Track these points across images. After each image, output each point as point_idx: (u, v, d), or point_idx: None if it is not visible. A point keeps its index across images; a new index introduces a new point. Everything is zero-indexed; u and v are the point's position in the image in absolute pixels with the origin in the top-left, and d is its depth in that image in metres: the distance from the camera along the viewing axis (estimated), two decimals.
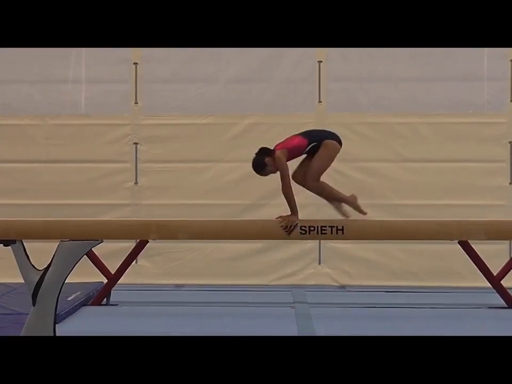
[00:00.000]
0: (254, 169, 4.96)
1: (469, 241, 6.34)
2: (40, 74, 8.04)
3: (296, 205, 4.90)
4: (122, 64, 7.98)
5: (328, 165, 5.06)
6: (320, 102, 7.85)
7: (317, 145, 4.96)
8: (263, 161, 4.92)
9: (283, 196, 4.88)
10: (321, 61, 7.85)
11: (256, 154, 4.92)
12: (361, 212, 5.02)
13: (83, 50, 8.04)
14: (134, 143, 7.96)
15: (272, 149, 4.92)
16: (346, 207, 5.05)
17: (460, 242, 6.42)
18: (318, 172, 5.04)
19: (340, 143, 5.00)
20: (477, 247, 6.61)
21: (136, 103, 7.98)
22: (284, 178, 4.91)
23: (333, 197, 5.12)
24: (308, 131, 5.11)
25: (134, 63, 7.95)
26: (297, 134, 5.02)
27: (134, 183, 7.96)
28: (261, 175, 5.00)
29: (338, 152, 5.02)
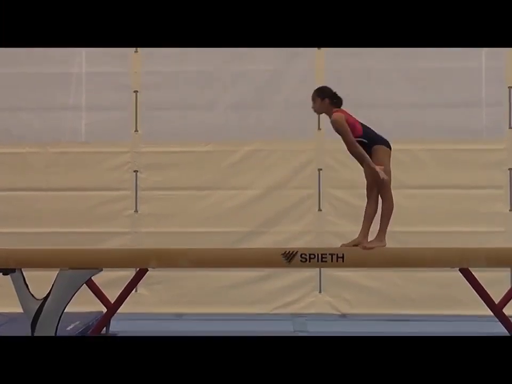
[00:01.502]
0: (316, 91, 5.15)
1: (469, 268, 6.31)
2: (40, 101, 8.06)
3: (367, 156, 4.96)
4: (122, 91, 8.01)
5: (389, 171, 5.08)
6: (319, 128, 7.87)
7: (367, 144, 5.00)
8: (323, 96, 4.99)
9: (353, 156, 5.01)
10: None
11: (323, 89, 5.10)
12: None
13: (83, 76, 8.07)
14: (134, 171, 7.96)
15: (335, 101, 5.05)
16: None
17: (461, 270, 6.39)
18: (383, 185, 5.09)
19: (389, 147, 5.06)
20: (478, 274, 6.57)
21: (136, 130, 7.99)
22: (347, 138, 5.03)
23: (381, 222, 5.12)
24: (366, 126, 5.14)
25: (134, 91, 7.98)
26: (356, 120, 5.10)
27: (134, 211, 7.95)
28: (313, 102, 5.15)
29: (390, 155, 5.08)
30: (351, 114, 5.38)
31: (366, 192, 5.31)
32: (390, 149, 5.17)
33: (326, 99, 5.12)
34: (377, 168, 5.00)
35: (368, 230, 5.16)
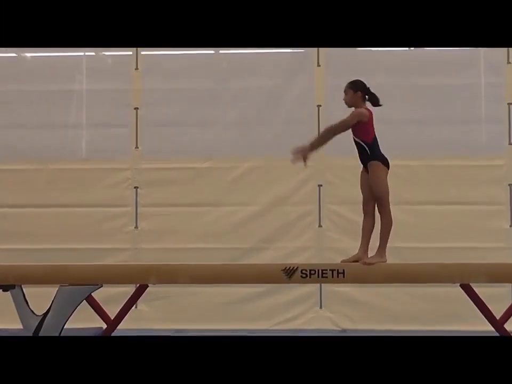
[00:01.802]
0: (349, 83, 5.08)
1: (470, 284, 6.30)
2: (41, 118, 8.09)
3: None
4: (122, 108, 8.04)
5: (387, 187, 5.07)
6: None
7: (368, 155, 5.00)
8: (356, 89, 5.01)
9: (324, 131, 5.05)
10: (320, 105, 7.91)
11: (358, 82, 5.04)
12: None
13: (84, 93, 8.11)
14: (134, 187, 7.97)
15: (368, 97, 5.01)
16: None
17: (462, 285, 6.37)
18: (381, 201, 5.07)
19: (387, 166, 5.04)
20: (479, 290, 6.56)
21: (136, 147, 8.01)
22: (341, 125, 4.98)
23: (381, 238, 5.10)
24: (377, 141, 5.14)
25: (135, 108, 8.01)
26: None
27: (134, 227, 7.95)
28: (345, 94, 5.09)
29: (387, 174, 5.09)
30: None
31: (362, 207, 5.31)
32: (388, 168, 5.15)
33: (359, 92, 5.05)
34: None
35: (367, 245, 5.15)
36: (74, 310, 4.79)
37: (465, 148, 7.83)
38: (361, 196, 7.74)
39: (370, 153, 5.08)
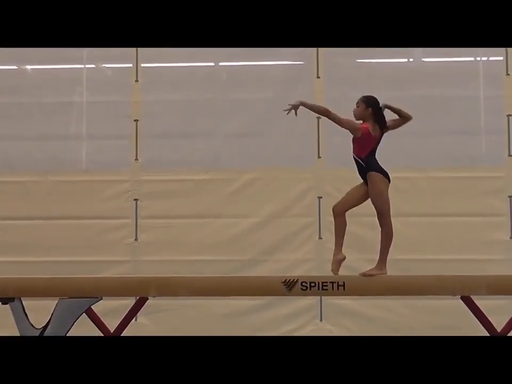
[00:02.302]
0: (364, 97, 5.17)
1: (471, 296, 6.29)
2: (41, 130, 8.10)
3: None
4: (122, 120, 8.05)
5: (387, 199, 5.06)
6: (319, 157, 7.89)
7: (363, 167, 4.96)
8: (369, 105, 5.05)
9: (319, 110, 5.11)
10: (319, 117, 7.91)
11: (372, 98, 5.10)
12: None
13: (84, 105, 8.12)
14: (134, 199, 7.97)
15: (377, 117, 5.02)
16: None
17: (462, 297, 6.36)
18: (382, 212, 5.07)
19: (388, 178, 5.05)
20: (479, 302, 6.55)
21: (136, 159, 8.02)
22: (336, 117, 5.08)
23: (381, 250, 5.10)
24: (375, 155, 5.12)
25: (135, 120, 8.02)
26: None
27: (134, 239, 7.94)
28: (357, 106, 5.16)
29: (387, 186, 5.09)
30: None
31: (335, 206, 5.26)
32: (389, 181, 5.14)
33: (370, 109, 5.08)
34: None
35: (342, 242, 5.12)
36: (74, 323, 4.77)
37: (465, 160, 7.84)
38: (361, 208, 7.79)
39: (366, 165, 5.07)
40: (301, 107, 5.11)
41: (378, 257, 5.12)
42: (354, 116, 5.19)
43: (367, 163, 5.09)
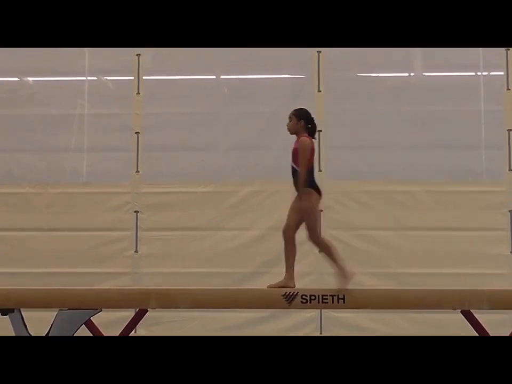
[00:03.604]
0: (295, 110, 5.20)
1: (471, 310, 6.28)
2: (42, 143, 8.12)
3: None
4: (123, 133, 8.06)
5: (314, 216, 5.09)
6: (320, 170, 7.89)
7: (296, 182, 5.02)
8: (300, 118, 5.09)
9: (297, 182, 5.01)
10: (320, 130, 7.91)
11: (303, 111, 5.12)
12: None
13: (85, 118, 8.14)
14: (135, 211, 7.97)
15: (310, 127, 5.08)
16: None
17: (463, 312, 6.35)
18: (310, 227, 5.07)
19: (320, 194, 5.07)
20: (480, 316, 6.53)
21: (137, 171, 8.02)
22: (303, 161, 5.05)
23: (332, 262, 5.11)
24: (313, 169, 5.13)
25: (136, 132, 8.03)
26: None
27: (134, 251, 7.93)
28: (289, 121, 5.19)
29: (319, 202, 5.11)
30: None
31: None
32: (321, 196, 5.16)
33: (302, 121, 5.15)
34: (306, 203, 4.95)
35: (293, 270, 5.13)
36: (73, 334, 4.76)
37: (466, 174, 7.84)
38: (361, 221, 7.80)
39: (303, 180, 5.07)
40: None
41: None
42: (289, 130, 5.26)
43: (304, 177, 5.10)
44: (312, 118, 5.25)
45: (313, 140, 5.24)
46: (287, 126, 5.25)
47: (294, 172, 5.18)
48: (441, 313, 7.11)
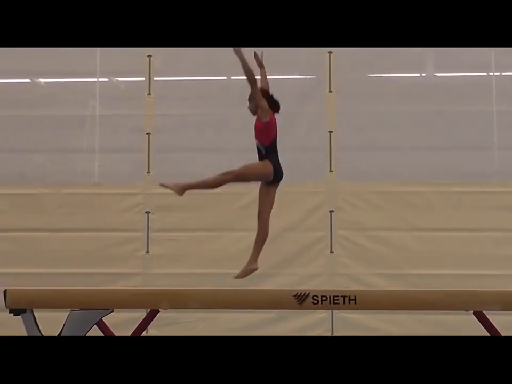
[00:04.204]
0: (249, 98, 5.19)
1: (484, 311, 6.25)
2: (54, 143, 8.15)
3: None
4: (135, 134, 8.08)
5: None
6: (331, 170, 7.89)
7: (263, 156, 5.26)
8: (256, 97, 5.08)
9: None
10: (331, 131, 7.93)
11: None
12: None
13: (97, 119, 8.17)
14: (146, 212, 7.98)
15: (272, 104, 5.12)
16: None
17: (475, 313, 6.32)
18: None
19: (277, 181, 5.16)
20: (492, 317, 6.50)
21: (148, 172, 8.04)
22: (258, 93, 5.06)
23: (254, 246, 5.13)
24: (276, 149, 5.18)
25: (147, 133, 8.05)
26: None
27: (146, 252, 7.95)
28: (249, 103, 5.23)
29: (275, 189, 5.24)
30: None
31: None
32: (277, 180, 5.24)
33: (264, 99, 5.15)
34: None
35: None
36: (85, 335, 4.77)
37: (477, 175, 7.82)
38: (372, 222, 7.79)
39: (265, 154, 5.09)
40: None
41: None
42: (251, 112, 5.26)
43: (267, 151, 5.12)
44: (272, 95, 5.25)
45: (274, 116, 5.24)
46: (248, 108, 5.27)
47: (258, 150, 5.19)
48: (452, 314, 7.08)
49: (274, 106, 5.23)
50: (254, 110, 5.20)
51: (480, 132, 7.84)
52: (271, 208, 5.21)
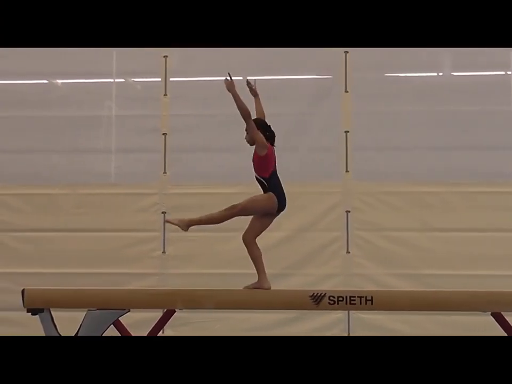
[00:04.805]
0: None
1: (502, 312, 6.21)
2: (71, 144, 8.19)
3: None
4: (151, 134, 8.10)
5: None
6: (347, 171, 7.86)
7: (267, 189, 5.13)
8: (257, 127, 5.12)
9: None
10: (347, 131, 7.90)
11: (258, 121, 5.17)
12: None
13: (113, 119, 8.20)
14: (162, 212, 8.00)
15: (268, 135, 5.11)
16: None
17: (493, 314, 6.28)
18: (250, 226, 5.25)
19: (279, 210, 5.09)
20: (510, 318, 6.46)
21: (164, 172, 8.06)
22: (253, 127, 5.07)
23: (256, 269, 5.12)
24: (277, 177, 5.11)
25: (163, 134, 8.07)
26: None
27: (162, 252, 7.97)
28: (246, 133, 5.21)
29: (271, 218, 5.13)
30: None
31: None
32: (282, 208, 5.12)
33: (260, 130, 5.14)
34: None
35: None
36: (102, 334, 4.80)
37: (495, 175, 7.76)
38: (389, 222, 7.76)
39: (268, 186, 5.04)
40: None
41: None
42: (248, 142, 5.21)
43: (269, 183, 5.06)
44: (269, 125, 5.22)
45: (273, 147, 5.20)
46: (246, 139, 5.21)
47: (259, 183, 5.16)
48: (469, 315, 7.01)
49: (271, 138, 5.18)
50: (251, 141, 5.18)
51: (497, 131, 7.79)
52: (259, 234, 5.16)
